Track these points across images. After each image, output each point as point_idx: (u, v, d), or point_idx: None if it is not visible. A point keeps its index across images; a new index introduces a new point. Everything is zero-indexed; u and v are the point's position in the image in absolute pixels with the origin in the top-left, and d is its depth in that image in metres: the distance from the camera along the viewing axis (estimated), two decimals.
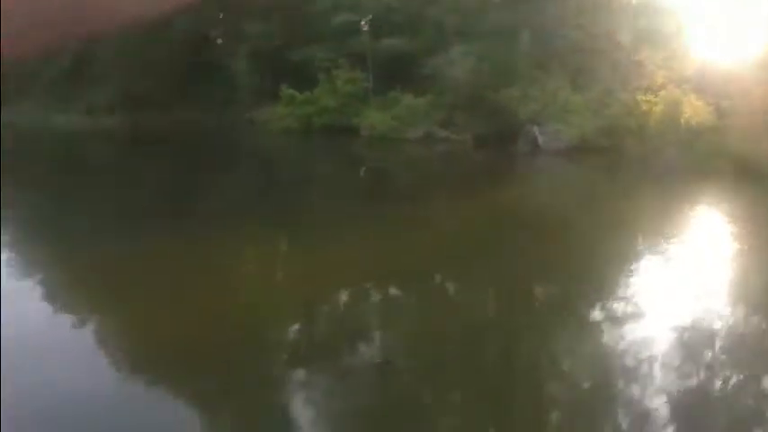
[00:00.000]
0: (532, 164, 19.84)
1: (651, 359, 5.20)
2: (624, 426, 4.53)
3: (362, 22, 29.68)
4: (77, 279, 8.19)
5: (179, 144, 29.42)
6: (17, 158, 23.94)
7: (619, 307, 6.70)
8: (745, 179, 13.31)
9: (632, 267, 8.25)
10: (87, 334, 6.28)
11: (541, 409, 4.81)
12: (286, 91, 27.51)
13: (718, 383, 5.00)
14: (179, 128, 33.50)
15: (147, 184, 16.90)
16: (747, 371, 5.15)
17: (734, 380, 5.04)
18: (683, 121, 18.37)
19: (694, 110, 18.52)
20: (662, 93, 19.55)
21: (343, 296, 7.58)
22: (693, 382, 4.99)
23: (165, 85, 37.80)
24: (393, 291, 7.68)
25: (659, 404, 4.54)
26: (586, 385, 5.18)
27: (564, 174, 18.48)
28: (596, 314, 6.65)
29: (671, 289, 7.03)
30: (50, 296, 7.33)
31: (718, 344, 5.64)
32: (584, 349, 5.80)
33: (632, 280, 7.72)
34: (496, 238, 9.99)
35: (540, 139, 20.34)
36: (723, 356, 5.49)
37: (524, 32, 24.83)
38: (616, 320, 6.30)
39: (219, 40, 34.41)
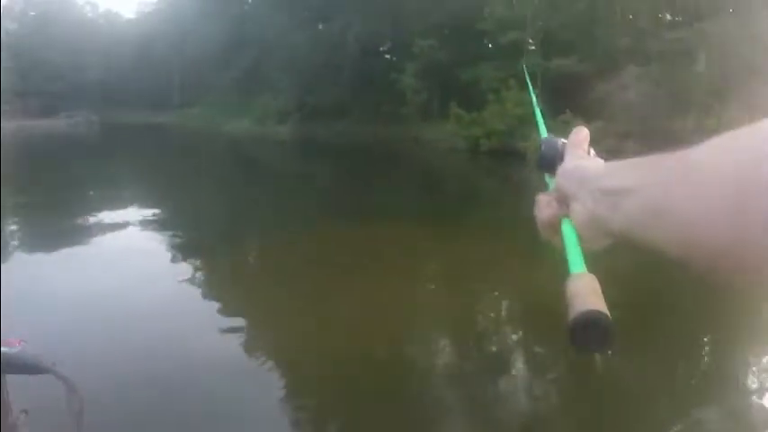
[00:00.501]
0: None
1: None
2: None
3: (531, 41, 29.97)
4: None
5: (351, 155, 31.23)
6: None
7: None
8: None
9: None
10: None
11: None
12: (455, 110, 28.32)
13: None
14: (348, 139, 35.36)
15: (320, 189, 18.99)
16: None
17: None
18: None
19: None
20: None
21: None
22: None
23: (334, 97, 39.91)
24: None
25: None
26: None
27: None
28: None
29: None
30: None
31: None
32: None
33: None
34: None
35: None
36: None
37: (700, 54, 24.05)
38: None
39: (389, 56, 35.64)
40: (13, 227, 12.64)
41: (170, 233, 12.17)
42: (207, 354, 5.88)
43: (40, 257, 9.81)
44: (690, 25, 24.26)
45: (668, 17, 27.66)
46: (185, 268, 9.43)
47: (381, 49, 38.72)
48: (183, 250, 10.70)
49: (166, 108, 64.65)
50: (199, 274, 9.12)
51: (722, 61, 22.78)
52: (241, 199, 17.56)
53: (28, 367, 1.25)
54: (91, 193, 17.93)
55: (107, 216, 13.44)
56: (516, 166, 23.15)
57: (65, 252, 10.26)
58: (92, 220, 13.10)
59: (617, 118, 23.80)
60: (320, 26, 44.76)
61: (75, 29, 70.03)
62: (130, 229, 12.33)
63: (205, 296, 8.09)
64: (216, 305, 7.62)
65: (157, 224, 12.96)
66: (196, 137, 48.81)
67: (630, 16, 28.08)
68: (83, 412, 1.19)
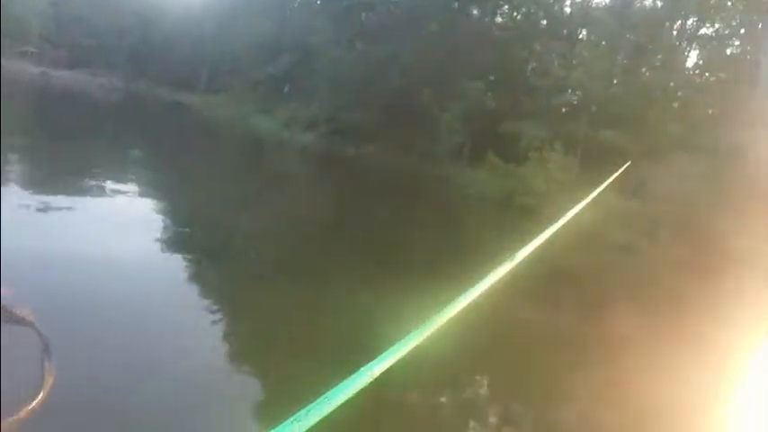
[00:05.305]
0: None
1: None
2: None
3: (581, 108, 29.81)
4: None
5: (373, 180, 30.81)
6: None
7: None
8: None
9: None
10: None
11: None
12: (492, 158, 28.00)
13: None
14: (372, 164, 34.98)
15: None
16: None
17: None
18: None
19: None
20: None
21: None
22: None
23: (367, 119, 39.55)
24: None
25: None
26: None
27: None
28: None
29: None
30: None
31: None
32: None
33: None
34: None
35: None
36: None
37: (750, 154, 23.96)
38: None
39: (431, 90, 35.32)
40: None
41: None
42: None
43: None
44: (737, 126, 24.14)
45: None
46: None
47: (426, 86, 38.36)
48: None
49: (191, 90, 64.19)
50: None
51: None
52: (242, 201, 17.13)
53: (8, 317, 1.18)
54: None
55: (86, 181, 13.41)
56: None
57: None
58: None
59: (655, 200, 23.58)
60: (362, 45, 44.66)
61: None
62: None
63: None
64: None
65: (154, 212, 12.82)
66: (216, 124, 48.54)
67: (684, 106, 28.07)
68: (51, 378, 1.14)
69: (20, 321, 1.18)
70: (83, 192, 13.10)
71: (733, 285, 16.03)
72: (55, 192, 12.09)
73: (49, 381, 1.13)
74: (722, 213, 22.08)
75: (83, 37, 64.99)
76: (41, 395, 1.09)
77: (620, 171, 7.44)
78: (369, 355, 1.32)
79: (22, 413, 1.04)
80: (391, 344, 1.43)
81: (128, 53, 68.92)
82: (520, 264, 2.13)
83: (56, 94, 45.29)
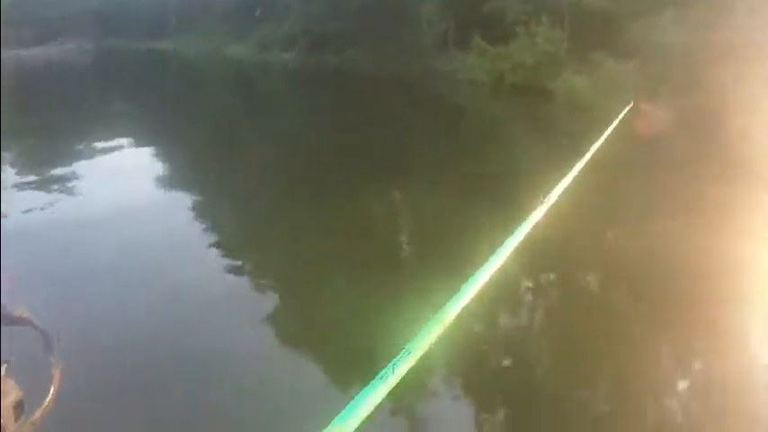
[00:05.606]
0: None
1: None
2: None
3: None
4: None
5: (361, 84, 30.03)
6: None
7: None
8: None
9: None
10: None
11: None
12: (478, 42, 27.05)
13: None
14: (357, 68, 34.04)
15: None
16: None
17: None
18: None
19: None
20: None
21: None
22: None
23: (343, 24, 38.19)
24: None
25: None
26: None
27: None
28: None
29: None
30: None
31: None
32: None
33: None
34: None
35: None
36: None
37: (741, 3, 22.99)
38: None
39: None
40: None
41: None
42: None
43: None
44: None
45: None
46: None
47: None
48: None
49: (162, 35, 62.78)
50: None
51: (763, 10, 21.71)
52: (234, 131, 16.53)
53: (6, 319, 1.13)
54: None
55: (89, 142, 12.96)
56: (545, 105, 22.15)
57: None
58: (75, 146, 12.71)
59: (651, 61, 22.82)
60: None
61: None
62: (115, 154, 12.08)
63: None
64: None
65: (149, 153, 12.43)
66: (191, 62, 47.25)
67: None
68: (58, 372, 1.10)
69: (17, 321, 1.17)
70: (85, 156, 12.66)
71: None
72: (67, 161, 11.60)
73: (57, 375, 1.12)
74: (720, 65, 21.38)
75: (44, 9, 63.59)
76: (52, 391, 1.08)
77: None
78: None
79: (38, 413, 1.03)
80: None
81: (92, 15, 67.18)
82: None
83: (32, 72, 44.81)
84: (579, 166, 4.25)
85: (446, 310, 1.67)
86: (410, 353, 1.35)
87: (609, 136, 5.71)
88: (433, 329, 1.54)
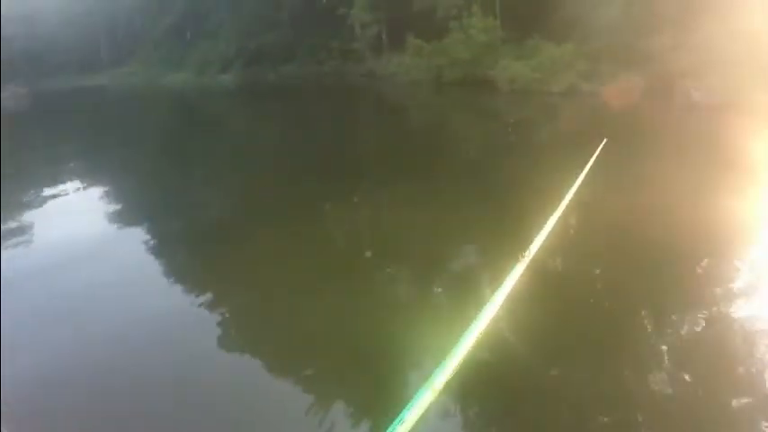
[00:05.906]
0: (701, 123, 16.10)
1: None
2: None
3: None
4: None
5: (304, 95, 29.20)
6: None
7: None
8: None
9: None
10: None
11: None
12: (413, 41, 26.45)
13: None
14: (297, 81, 33.24)
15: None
16: None
17: None
18: None
19: None
20: None
21: None
22: None
23: (278, 39, 37.54)
24: None
25: None
26: None
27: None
28: None
29: None
30: None
31: None
32: None
33: None
34: None
35: (695, 95, 18.60)
36: None
37: None
38: None
39: None
40: None
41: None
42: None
43: None
44: None
45: None
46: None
47: None
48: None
49: (96, 69, 61.19)
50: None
51: None
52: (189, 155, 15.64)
53: None
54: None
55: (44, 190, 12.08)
56: (488, 96, 21.59)
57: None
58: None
59: (588, 40, 22.40)
60: None
61: None
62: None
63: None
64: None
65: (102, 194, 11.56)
66: (128, 94, 45.83)
67: None
68: None
69: None
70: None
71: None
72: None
73: None
74: (656, 35, 21.06)
75: None
76: None
77: None
78: None
79: None
80: None
81: (22, 57, 64.94)
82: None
83: None
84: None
85: (435, 377, 1.81)
86: (403, 421, 1.50)
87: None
88: (424, 397, 1.66)
